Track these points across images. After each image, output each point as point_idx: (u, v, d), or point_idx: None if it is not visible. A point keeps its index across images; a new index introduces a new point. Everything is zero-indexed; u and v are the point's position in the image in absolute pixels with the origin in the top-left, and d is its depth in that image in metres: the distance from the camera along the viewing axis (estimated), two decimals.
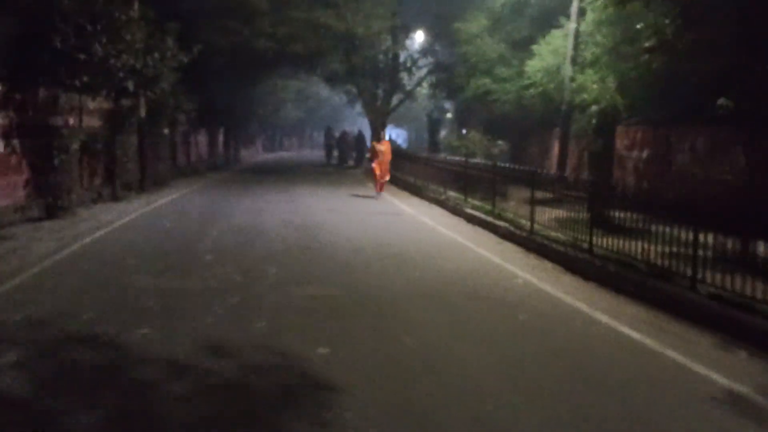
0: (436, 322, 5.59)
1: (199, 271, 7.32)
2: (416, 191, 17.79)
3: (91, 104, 15.33)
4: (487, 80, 19.06)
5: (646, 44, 8.65)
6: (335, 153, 33.56)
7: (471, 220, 12.42)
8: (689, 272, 6.33)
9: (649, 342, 5.15)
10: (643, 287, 6.58)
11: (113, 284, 6.67)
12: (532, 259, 8.59)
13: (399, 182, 20.62)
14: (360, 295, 6.41)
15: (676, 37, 7.40)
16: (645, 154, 14.63)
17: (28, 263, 7.65)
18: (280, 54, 22.88)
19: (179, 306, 5.86)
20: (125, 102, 15.60)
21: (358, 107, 43.59)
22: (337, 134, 34.65)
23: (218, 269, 7.40)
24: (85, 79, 12.25)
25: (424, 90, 32.28)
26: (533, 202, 10.13)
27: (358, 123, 54.76)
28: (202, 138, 29.35)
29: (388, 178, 17.50)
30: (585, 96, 12.26)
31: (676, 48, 7.45)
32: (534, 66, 15.32)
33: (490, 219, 11.50)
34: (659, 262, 6.90)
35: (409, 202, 16.02)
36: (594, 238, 8.13)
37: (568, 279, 7.44)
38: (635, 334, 5.34)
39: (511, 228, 10.46)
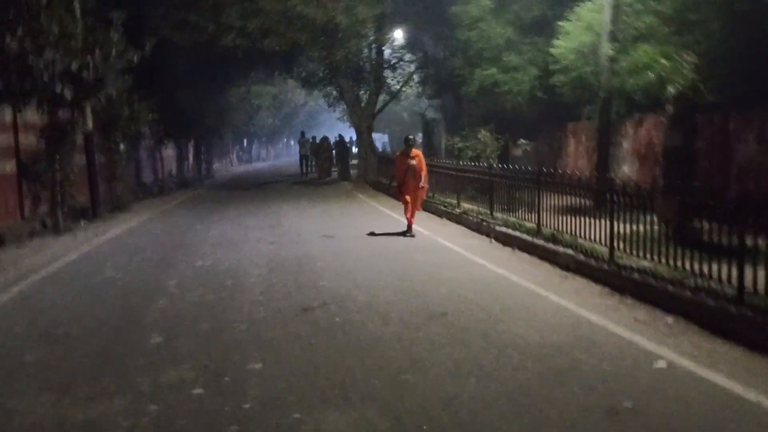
0: None
1: (135, 375, 4.42)
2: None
3: (29, 118, 12.45)
4: (493, 70, 16.36)
5: None
6: (313, 163, 29.37)
7: (507, 242, 9.67)
8: None
9: None
10: None
11: None
12: (641, 312, 5.81)
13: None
14: (418, 426, 3.57)
15: None
16: (698, 145, 12.03)
17: None
18: (251, 52, 19.97)
19: None
20: (62, 113, 12.60)
21: (338, 112, 40.73)
22: (317, 140, 30.10)
23: (166, 370, 4.50)
24: None
25: (410, 89, 29.56)
26: (611, 219, 7.40)
27: (337, 128, 51.81)
28: (169, 152, 26.36)
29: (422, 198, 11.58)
30: (649, 76, 9.58)
31: None
32: (562, 47, 12.62)
33: (540, 242, 8.74)
34: None
35: (416, 219, 13.20)
36: (719, 270, 5.44)
37: (736, 354, 4.69)
38: None
39: (577, 255, 7.71)
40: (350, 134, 34.36)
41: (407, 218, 10.87)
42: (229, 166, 40.44)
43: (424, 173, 11.04)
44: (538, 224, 9.27)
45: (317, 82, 27.79)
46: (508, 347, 4.83)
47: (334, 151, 27.67)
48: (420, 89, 28.51)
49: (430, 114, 26.77)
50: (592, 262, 7.35)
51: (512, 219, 10.32)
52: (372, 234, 10.91)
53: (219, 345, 5.03)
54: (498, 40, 16.37)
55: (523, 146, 14.10)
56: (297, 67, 26.41)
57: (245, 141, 46.44)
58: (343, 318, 5.71)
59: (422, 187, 11.10)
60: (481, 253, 9.06)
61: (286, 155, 59.77)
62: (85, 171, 14.62)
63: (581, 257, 7.61)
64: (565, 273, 7.62)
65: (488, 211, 11.34)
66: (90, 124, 14.63)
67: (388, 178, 21.48)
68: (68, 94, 11.53)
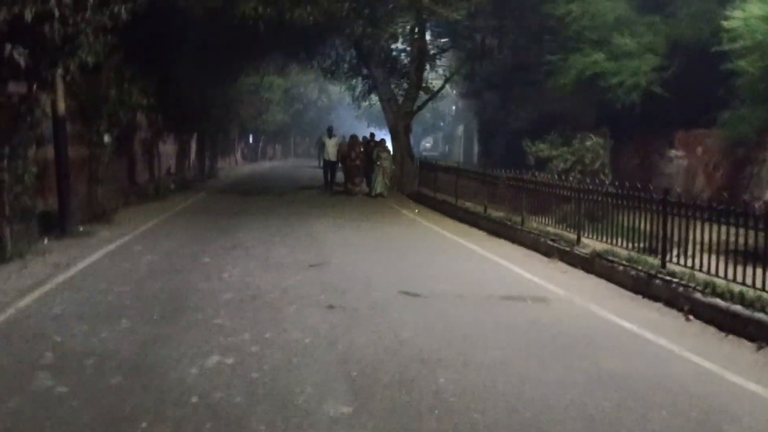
0: None
1: None
2: (502, 232, 11.09)
3: None
4: (600, 55, 12.44)
5: None
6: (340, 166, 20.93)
7: (728, 324, 5.70)
8: None
9: None
10: None
11: None
12: None
13: (469, 218, 13.60)
14: None
15: None
16: None
17: None
18: (273, 29, 15.94)
19: None
20: (14, 88, 8.65)
21: (355, 111, 36.76)
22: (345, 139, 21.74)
23: None
24: None
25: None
26: None
27: (351, 128, 47.57)
28: (168, 147, 22.37)
29: None
30: None
31: None
32: (743, 18, 8.71)
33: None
34: None
35: (518, 260, 9.29)
36: None
37: None
38: None
39: None
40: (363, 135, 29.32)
41: None
42: (234, 164, 36.40)
43: None
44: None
45: (343, 72, 23.91)
46: None
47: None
48: (461, 86, 24.76)
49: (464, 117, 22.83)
50: None
51: (720, 282, 6.33)
52: (472, 287, 6.96)
53: None
54: (607, 17, 12.47)
55: (676, 159, 10.15)
56: (321, 54, 22.50)
57: (252, 138, 42.34)
58: None
59: None
60: (700, 349, 5.09)
61: (293, 154, 55.59)
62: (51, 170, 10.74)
63: None
64: None
65: (654, 260, 7.37)
66: (62, 105, 10.68)
67: (430, 188, 17.27)
68: (20, 57, 7.62)
